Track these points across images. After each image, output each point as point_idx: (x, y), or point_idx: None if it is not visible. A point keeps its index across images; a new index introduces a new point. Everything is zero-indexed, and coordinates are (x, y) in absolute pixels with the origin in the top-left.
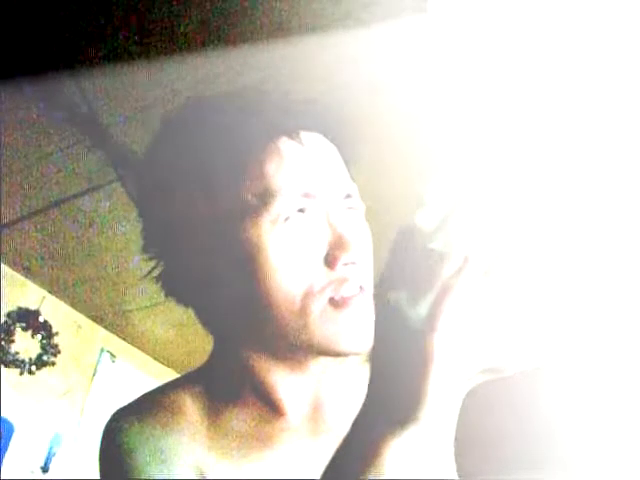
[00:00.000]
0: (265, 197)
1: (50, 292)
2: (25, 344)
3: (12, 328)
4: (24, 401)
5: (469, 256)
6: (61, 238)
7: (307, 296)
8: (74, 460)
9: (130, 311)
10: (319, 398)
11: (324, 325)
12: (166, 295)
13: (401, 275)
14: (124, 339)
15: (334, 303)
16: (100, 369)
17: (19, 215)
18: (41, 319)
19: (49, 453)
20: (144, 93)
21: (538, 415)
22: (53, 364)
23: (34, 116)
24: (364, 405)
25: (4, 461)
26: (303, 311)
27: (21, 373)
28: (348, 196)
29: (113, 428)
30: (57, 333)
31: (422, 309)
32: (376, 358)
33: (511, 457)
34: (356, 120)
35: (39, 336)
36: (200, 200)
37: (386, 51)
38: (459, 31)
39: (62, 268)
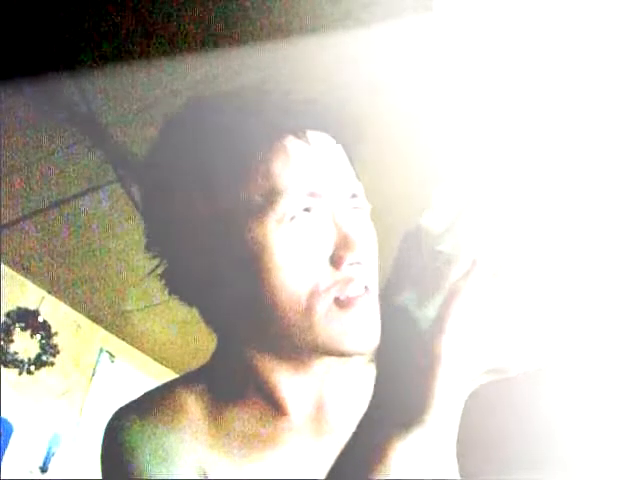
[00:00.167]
0: (271, 196)
1: (49, 292)
2: (24, 344)
3: (11, 328)
4: (23, 401)
5: (477, 259)
6: (61, 238)
7: (312, 296)
8: (73, 460)
9: (129, 311)
10: (322, 398)
11: (329, 325)
12: (169, 294)
13: (409, 277)
14: (123, 339)
15: (339, 303)
16: (99, 369)
17: (19, 215)
18: (40, 319)
19: (48, 453)
20: (144, 93)
21: (539, 416)
22: (52, 364)
23: (34, 116)
24: (370, 407)
25: (3, 461)
26: (308, 311)
27: (20, 373)
28: (354, 196)
29: (115, 426)
30: (56, 333)
31: (430, 311)
32: (383, 360)
33: (512, 457)
34: (356, 120)
35: (38, 336)
36: (203, 200)
37: (386, 51)
38: (461, 30)
39: (62, 268)
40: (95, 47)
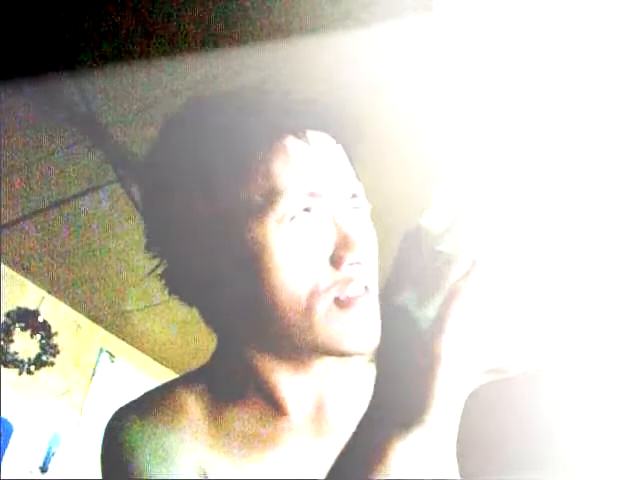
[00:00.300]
0: (271, 196)
1: (49, 292)
2: (24, 344)
3: (11, 328)
4: (23, 401)
5: (477, 259)
6: (61, 238)
7: (312, 296)
8: (73, 460)
9: (129, 311)
10: (322, 398)
11: (329, 325)
12: (169, 294)
13: (409, 277)
14: (123, 339)
15: (339, 303)
16: (99, 369)
17: (19, 215)
18: (40, 319)
19: (48, 453)
20: (144, 93)
21: (539, 416)
22: (52, 364)
23: (34, 116)
24: (370, 407)
25: (3, 461)
26: (308, 311)
27: (20, 373)
28: (354, 196)
29: (115, 426)
30: (56, 333)
31: (430, 311)
32: (383, 360)
33: (512, 457)
34: (356, 120)
35: (38, 336)
36: (203, 200)
37: (386, 51)
38: (461, 30)
39: (62, 268)
40: (95, 47)
